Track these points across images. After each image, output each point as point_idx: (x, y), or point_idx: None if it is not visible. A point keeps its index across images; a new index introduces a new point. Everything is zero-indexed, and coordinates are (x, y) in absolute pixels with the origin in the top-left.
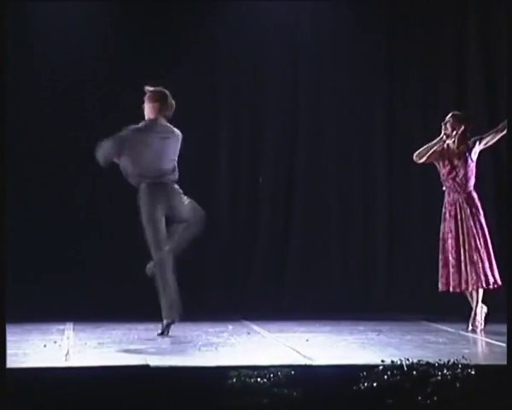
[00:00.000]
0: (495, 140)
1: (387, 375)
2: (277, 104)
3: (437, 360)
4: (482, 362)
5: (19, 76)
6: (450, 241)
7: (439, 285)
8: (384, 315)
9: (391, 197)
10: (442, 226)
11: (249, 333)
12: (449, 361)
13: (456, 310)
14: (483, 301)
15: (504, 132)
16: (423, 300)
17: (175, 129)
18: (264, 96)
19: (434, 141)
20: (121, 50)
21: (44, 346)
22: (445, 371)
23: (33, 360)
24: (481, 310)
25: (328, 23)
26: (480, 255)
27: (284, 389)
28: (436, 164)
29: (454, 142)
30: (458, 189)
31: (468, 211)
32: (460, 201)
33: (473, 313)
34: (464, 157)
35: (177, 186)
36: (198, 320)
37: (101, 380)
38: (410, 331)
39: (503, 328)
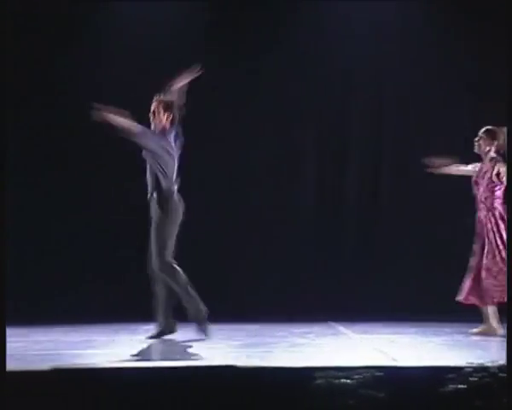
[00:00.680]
0: None
1: (475, 377)
2: (363, 104)
3: None
4: None
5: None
6: (475, 257)
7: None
8: (470, 317)
9: None
10: None
11: (335, 334)
12: None
13: None
14: None
15: None
16: None
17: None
18: (353, 95)
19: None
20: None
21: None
22: None
23: (123, 359)
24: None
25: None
26: (491, 273)
27: (370, 391)
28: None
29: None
30: (480, 205)
31: (489, 227)
32: (481, 217)
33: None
34: (486, 175)
35: None
36: (284, 321)
37: (187, 380)
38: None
39: None
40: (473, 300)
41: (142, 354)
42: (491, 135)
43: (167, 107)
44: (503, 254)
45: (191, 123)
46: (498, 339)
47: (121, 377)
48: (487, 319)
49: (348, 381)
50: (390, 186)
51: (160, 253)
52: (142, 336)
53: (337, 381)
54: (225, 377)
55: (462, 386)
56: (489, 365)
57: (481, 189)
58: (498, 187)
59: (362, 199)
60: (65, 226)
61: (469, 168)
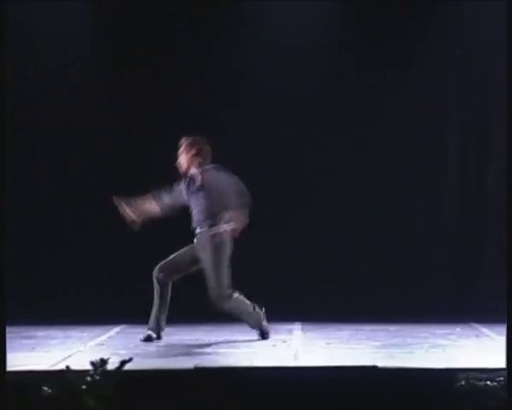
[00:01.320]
0: None
1: None
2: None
3: None
4: None
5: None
6: None
7: None
8: None
9: None
10: None
11: (478, 336)
12: None
13: None
14: None
15: None
16: None
17: None
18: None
19: None
20: None
21: (274, 345)
22: None
23: (263, 359)
24: None
25: None
26: None
27: None
28: None
29: None
30: None
31: None
32: None
33: None
34: None
35: None
36: (426, 322)
37: (329, 380)
38: None
39: None
40: None
41: (280, 355)
42: None
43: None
44: None
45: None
46: None
47: (260, 377)
48: None
49: (490, 383)
50: None
51: (219, 284)
52: (284, 336)
53: (479, 383)
54: (367, 378)
55: None
56: None
57: None
58: None
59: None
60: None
61: None
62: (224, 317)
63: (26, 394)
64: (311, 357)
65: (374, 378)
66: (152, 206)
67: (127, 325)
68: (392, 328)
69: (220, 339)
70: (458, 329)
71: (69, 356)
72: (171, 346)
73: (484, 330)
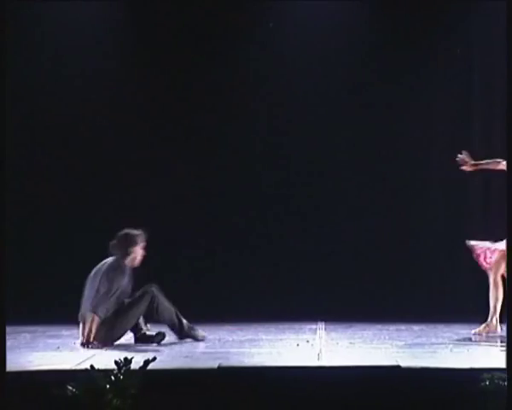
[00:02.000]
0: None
1: None
2: None
3: None
4: None
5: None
6: None
7: None
8: None
9: None
10: None
11: (502, 335)
12: None
13: None
14: None
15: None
16: None
17: None
18: None
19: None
20: None
21: (297, 345)
22: None
23: (287, 359)
24: None
25: None
26: None
27: None
28: None
29: None
30: None
31: None
32: None
33: None
34: None
35: None
36: (449, 322)
37: (352, 380)
38: None
39: None
40: None
41: (304, 355)
42: None
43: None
44: None
45: None
46: None
47: (284, 376)
48: None
49: None
50: None
51: None
52: (307, 336)
53: (504, 383)
54: (390, 378)
55: None
56: None
57: None
58: None
59: None
60: None
61: None
62: (248, 316)
63: (51, 393)
64: (335, 357)
65: (397, 378)
66: None
67: (150, 325)
68: (416, 328)
69: (244, 338)
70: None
71: (93, 355)
72: (194, 345)
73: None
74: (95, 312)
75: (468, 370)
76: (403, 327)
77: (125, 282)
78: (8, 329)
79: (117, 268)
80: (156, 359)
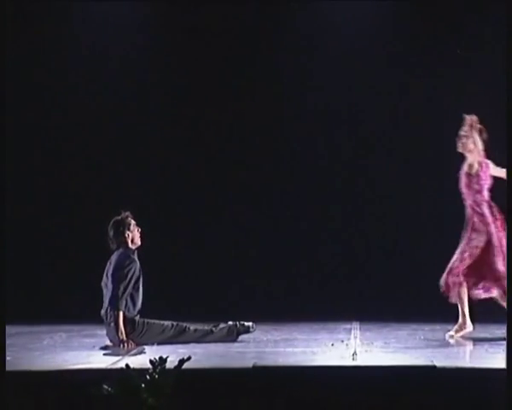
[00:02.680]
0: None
1: None
2: None
3: None
4: None
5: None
6: None
7: None
8: None
9: None
10: None
11: None
12: None
13: None
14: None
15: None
16: None
17: None
18: None
19: None
20: None
21: (332, 345)
22: None
23: (321, 358)
24: None
25: None
26: None
27: None
28: None
29: None
30: None
31: None
32: None
33: None
34: None
35: None
36: (484, 322)
37: (387, 380)
38: None
39: None
40: None
41: (339, 354)
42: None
43: None
44: None
45: None
46: None
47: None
48: None
49: None
50: None
51: None
52: (342, 336)
53: None
54: (425, 378)
55: None
56: None
57: None
58: None
59: None
60: None
61: None
62: (283, 316)
63: (87, 392)
64: (369, 357)
65: (432, 378)
66: None
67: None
68: (451, 328)
69: (278, 338)
70: None
71: (128, 355)
72: (229, 345)
73: None
74: (118, 309)
75: (501, 370)
76: (438, 327)
77: (138, 265)
78: (44, 328)
79: (125, 257)
80: (191, 358)
